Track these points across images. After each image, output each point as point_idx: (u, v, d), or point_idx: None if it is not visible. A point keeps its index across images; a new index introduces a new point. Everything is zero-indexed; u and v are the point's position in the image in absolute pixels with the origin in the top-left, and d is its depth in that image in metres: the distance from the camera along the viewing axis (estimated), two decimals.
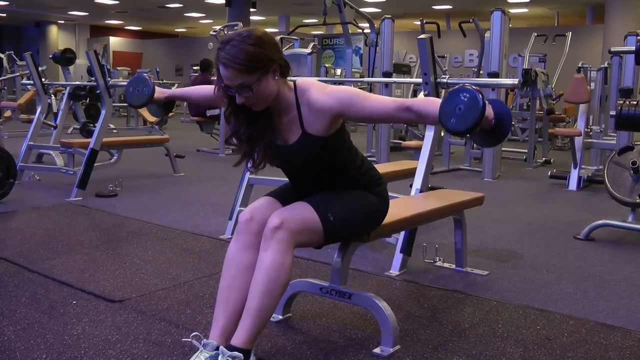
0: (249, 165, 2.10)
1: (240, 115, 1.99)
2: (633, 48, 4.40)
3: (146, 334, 2.29)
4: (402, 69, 8.92)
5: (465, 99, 1.80)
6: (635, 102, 3.82)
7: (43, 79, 6.41)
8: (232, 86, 1.89)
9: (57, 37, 23.49)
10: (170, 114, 10.72)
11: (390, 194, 2.40)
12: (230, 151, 7.99)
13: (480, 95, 1.80)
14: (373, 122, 2.03)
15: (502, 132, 1.94)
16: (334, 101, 1.95)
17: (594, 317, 2.60)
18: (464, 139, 7.86)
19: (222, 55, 1.86)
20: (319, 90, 1.99)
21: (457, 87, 1.85)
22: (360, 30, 8.50)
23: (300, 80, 2.06)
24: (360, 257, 3.30)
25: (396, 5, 16.39)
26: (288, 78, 2.02)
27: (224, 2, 14.21)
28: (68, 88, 7.10)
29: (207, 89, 2.48)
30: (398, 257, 3.18)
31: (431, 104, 1.93)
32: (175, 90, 2.68)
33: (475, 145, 7.85)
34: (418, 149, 3.62)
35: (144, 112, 10.32)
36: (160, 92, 2.59)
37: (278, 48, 1.96)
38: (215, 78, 1.98)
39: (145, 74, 2.64)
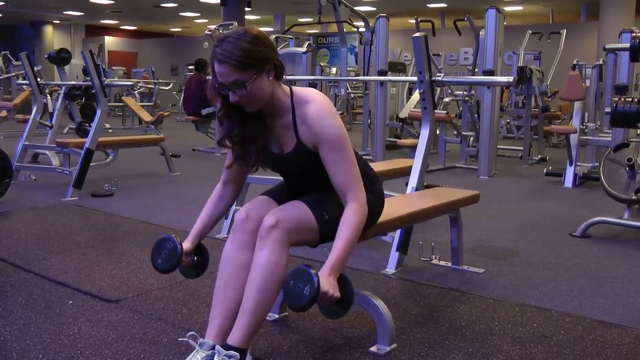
0: None
1: (233, 116, 1.97)
2: (628, 45, 4.42)
3: (142, 333, 2.29)
4: (397, 67, 8.92)
5: (306, 288, 1.76)
6: (630, 99, 3.83)
7: (38, 79, 6.39)
8: (226, 84, 1.87)
9: (53, 37, 23.42)
10: (167, 113, 10.73)
11: (386, 192, 2.40)
12: (225, 151, 7.97)
13: (314, 285, 1.75)
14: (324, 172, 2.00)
15: (339, 308, 1.92)
16: (318, 129, 1.94)
17: (590, 314, 2.60)
18: (459, 138, 7.88)
19: (217, 51, 1.85)
20: (318, 109, 1.95)
21: (306, 269, 1.79)
22: (355, 29, 8.47)
23: (298, 89, 2.03)
24: (356, 256, 3.30)
25: (391, 3, 16.37)
26: (284, 77, 2.01)
27: (218, 1, 14.18)
28: (63, 88, 7.07)
29: (215, 198, 2.20)
30: (394, 255, 3.18)
31: (346, 223, 1.93)
32: (194, 229, 2.22)
33: (470, 142, 7.87)
34: (414, 147, 3.63)
35: (140, 111, 10.33)
36: (186, 242, 2.17)
37: (273, 48, 1.95)
38: (210, 77, 1.97)
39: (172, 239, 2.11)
